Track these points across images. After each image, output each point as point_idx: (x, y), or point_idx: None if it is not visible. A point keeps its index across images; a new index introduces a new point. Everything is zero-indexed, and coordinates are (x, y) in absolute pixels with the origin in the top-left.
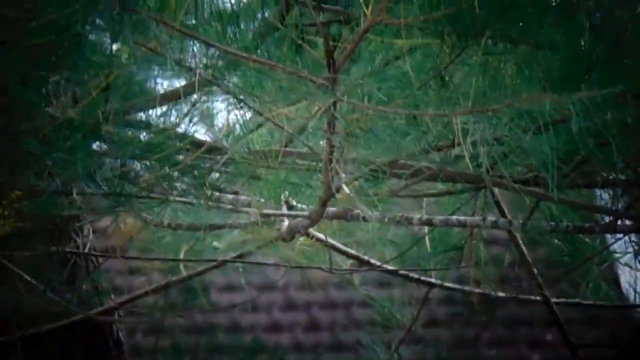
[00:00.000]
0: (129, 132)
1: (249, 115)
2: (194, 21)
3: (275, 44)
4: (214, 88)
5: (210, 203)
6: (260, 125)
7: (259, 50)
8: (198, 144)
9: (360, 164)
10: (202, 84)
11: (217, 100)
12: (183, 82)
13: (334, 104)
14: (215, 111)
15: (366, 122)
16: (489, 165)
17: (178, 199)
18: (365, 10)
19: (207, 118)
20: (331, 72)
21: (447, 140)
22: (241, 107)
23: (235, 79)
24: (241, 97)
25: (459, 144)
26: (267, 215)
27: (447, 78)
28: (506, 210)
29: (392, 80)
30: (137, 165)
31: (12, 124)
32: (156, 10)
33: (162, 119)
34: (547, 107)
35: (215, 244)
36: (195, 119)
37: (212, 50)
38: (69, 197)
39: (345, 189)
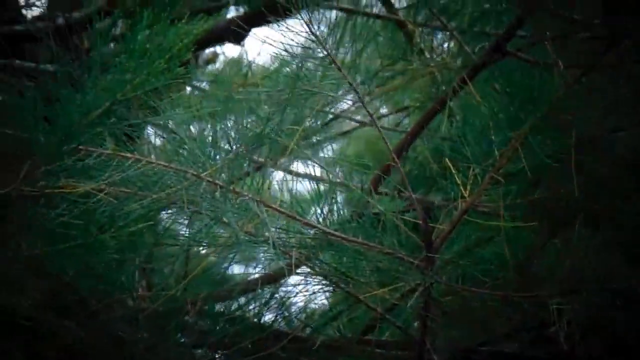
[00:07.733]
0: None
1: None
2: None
3: (371, 224)
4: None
5: None
6: (350, 306)
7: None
8: (280, 334)
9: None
10: (296, 265)
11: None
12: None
13: (431, 284)
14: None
15: (458, 302)
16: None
17: None
18: (464, 192)
19: (285, 308)
20: (430, 252)
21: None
22: (334, 289)
23: (327, 260)
24: (334, 278)
25: (553, 324)
26: None
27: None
28: None
29: (487, 262)
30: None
31: (104, 308)
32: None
33: (241, 309)
34: None
35: None
36: (275, 309)
37: (310, 232)
38: None
39: None
